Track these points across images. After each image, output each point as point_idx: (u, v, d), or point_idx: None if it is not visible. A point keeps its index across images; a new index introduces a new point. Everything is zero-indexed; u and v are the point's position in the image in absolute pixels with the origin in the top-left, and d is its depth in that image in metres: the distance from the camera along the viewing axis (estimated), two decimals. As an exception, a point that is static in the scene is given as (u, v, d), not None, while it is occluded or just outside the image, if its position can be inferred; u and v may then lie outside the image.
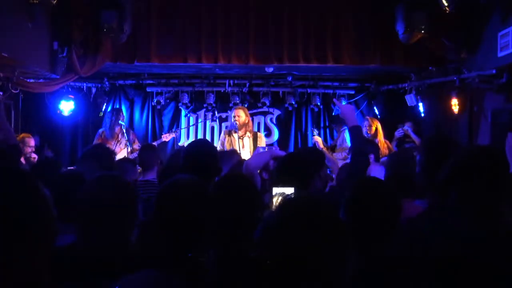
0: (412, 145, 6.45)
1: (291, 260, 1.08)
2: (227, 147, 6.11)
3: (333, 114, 8.16)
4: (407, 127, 6.72)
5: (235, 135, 6.13)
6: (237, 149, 5.94)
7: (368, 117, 6.89)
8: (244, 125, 6.20)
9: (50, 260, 1.20)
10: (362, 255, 1.66)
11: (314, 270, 1.08)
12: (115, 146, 6.55)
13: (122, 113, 7.07)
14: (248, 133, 6.19)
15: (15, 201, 1.14)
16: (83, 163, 3.15)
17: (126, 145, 6.67)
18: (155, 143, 6.74)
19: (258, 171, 3.12)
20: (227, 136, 6.22)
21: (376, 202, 1.86)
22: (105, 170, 2.93)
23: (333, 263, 1.10)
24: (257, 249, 1.14)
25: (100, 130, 6.83)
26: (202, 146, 3.01)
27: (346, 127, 7.02)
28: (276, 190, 1.81)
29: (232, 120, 6.21)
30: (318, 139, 6.78)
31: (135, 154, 6.34)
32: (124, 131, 6.73)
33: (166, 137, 6.99)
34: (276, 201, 1.82)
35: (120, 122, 6.76)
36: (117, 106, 8.07)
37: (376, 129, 6.28)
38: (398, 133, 6.64)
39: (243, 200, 1.87)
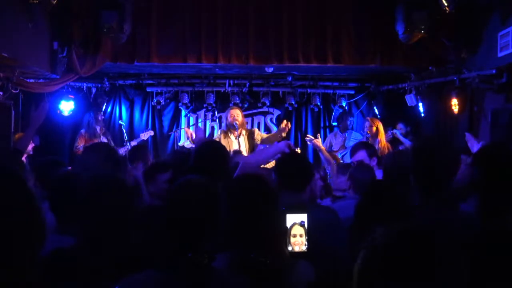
0: (403, 148, 6.44)
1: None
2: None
3: (333, 114, 8.18)
4: (396, 130, 6.72)
5: (232, 136, 6.12)
6: (235, 149, 5.93)
7: (368, 117, 6.88)
8: (242, 125, 6.21)
9: (40, 262, 1.19)
10: None
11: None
12: None
13: (101, 113, 7.15)
14: (243, 132, 6.20)
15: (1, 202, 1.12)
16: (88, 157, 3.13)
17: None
18: (134, 142, 6.85)
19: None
20: (223, 137, 6.21)
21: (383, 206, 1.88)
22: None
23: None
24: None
25: (82, 131, 6.89)
26: (212, 147, 2.99)
27: (351, 131, 6.99)
28: (290, 217, 1.81)
29: (230, 120, 6.19)
30: (318, 141, 6.75)
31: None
32: (103, 129, 6.84)
33: (144, 136, 7.09)
34: (294, 229, 1.81)
35: (121, 122, 6.80)
36: (117, 106, 8.09)
37: (377, 129, 6.26)
38: (387, 136, 6.64)
39: (260, 204, 1.86)
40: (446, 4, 5.42)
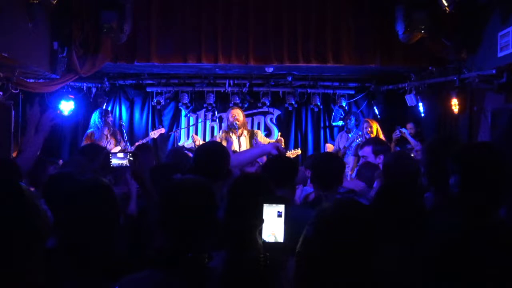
0: (408, 147, 6.44)
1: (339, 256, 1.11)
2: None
3: (333, 114, 8.18)
4: (405, 130, 6.71)
5: (234, 136, 6.13)
6: (236, 149, 5.94)
7: (367, 118, 6.87)
8: (243, 124, 6.21)
9: (44, 261, 1.21)
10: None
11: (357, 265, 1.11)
12: (106, 146, 6.62)
13: (110, 114, 7.13)
14: (245, 132, 6.20)
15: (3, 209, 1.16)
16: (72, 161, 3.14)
17: (115, 145, 6.74)
18: (143, 141, 6.81)
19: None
20: (224, 137, 6.22)
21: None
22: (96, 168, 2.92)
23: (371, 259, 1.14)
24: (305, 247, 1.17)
25: (89, 131, 6.87)
26: (213, 148, 3.00)
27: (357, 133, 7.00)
28: (266, 207, 1.80)
29: (231, 120, 6.19)
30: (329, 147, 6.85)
31: None
32: (120, 131, 6.80)
33: (154, 134, 7.06)
34: (270, 220, 1.80)
35: (122, 123, 6.79)
36: (117, 106, 8.09)
37: (377, 130, 6.26)
38: (395, 135, 6.63)
39: (255, 201, 1.86)
40: (446, 4, 5.42)
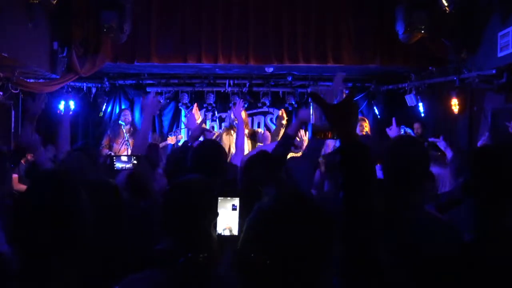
0: None
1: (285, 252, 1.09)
2: (226, 145, 6.10)
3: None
4: (410, 130, 6.70)
5: (234, 134, 6.12)
6: (232, 147, 5.95)
7: (360, 117, 6.89)
8: (246, 124, 6.21)
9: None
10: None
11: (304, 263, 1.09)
12: (121, 145, 6.63)
13: (125, 113, 7.11)
14: (246, 131, 6.20)
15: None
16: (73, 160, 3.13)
17: (126, 144, 6.74)
18: (161, 145, 6.78)
19: None
20: (225, 134, 6.23)
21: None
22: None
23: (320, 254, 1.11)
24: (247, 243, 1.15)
25: (109, 131, 6.92)
26: (210, 147, 3.00)
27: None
28: (221, 201, 1.79)
29: (232, 118, 6.20)
30: None
31: None
32: (131, 129, 6.78)
33: (172, 140, 7.03)
34: (225, 213, 1.80)
35: (120, 122, 6.79)
36: (117, 106, 8.10)
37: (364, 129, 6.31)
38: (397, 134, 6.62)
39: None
40: (446, 4, 5.42)
